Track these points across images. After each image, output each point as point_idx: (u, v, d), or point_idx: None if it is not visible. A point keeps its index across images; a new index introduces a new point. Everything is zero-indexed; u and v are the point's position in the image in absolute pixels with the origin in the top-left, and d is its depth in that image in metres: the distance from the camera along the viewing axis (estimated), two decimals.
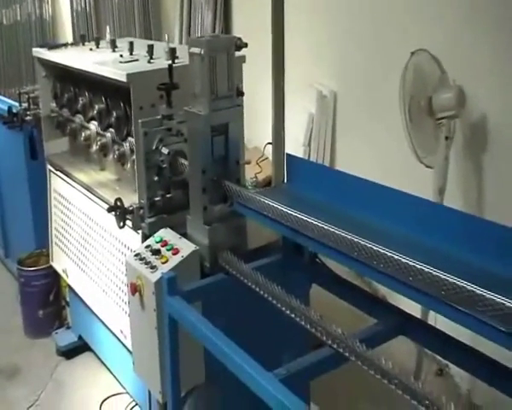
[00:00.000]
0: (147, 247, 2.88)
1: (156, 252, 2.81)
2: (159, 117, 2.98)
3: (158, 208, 3.02)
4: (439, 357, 3.27)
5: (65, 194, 4.10)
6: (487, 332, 1.70)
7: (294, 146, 5.02)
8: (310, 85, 5.44)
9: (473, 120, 3.72)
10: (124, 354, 3.51)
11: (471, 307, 1.73)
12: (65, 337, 4.57)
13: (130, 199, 3.15)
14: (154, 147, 2.95)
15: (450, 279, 1.78)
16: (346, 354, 2.04)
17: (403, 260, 1.93)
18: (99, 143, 3.69)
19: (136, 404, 3.92)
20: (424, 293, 1.87)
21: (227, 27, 6.87)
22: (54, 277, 4.61)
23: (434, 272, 1.83)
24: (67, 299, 4.60)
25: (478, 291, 1.71)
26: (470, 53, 3.77)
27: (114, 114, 3.46)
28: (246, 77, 3.15)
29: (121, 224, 3.06)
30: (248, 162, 3.02)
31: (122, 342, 3.49)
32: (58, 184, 4.19)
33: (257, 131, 4.09)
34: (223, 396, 2.92)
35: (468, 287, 1.73)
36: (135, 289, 2.78)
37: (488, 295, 1.68)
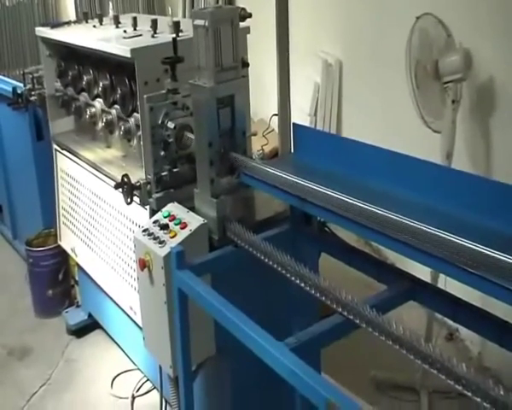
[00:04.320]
0: (155, 222, 2.87)
1: (164, 227, 2.80)
2: (164, 91, 2.97)
3: (165, 183, 3.01)
4: (449, 321, 3.27)
5: (71, 173, 4.11)
6: (498, 293, 1.70)
7: (300, 116, 5.01)
8: (315, 54, 5.42)
9: (480, 82, 3.71)
10: (134, 331, 3.52)
11: (481, 269, 1.72)
12: (75, 316, 4.60)
13: (137, 175, 3.15)
14: (159, 122, 2.93)
15: (459, 241, 1.78)
16: (357, 321, 2.03)
17: (412, 224, 1.92)
18: (104, 120, 3.68)
19: (148, 379, 3.95)
20: (434, 256, 1.87)
21: None
22: (62, 256, 4.63)
23: (442, 235, 1.82)
24: (76, 278, 4.62)
25: (487, 252, 1.70)
26: (476, 15, 3.75)
27: (119, 90, 3.46)
28: (250, 49, 3.14)
29: (129, 200, 3.06)
30: (255, 134, 3.02)
31: (132, 319, 3.51)
32: (64, 164, 4.19)
33: (262, 103, 4.09)
34: (234, 368, 2.93)
35: (478, 248, 1.73)
36: (143, 264, 2.78)
37: (498, 256, 1.67)
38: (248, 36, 3.16)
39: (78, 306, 4.68)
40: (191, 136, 2.89)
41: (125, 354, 4.19)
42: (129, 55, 3.06)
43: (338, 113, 5.37)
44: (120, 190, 3.05)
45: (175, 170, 3.02)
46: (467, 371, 1.65)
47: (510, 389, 1.56)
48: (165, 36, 3.23)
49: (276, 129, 2.96)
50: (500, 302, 1.73)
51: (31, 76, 4.48)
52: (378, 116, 4.86)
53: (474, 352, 3.99)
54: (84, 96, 3.94)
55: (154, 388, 3.88)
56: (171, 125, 2.92)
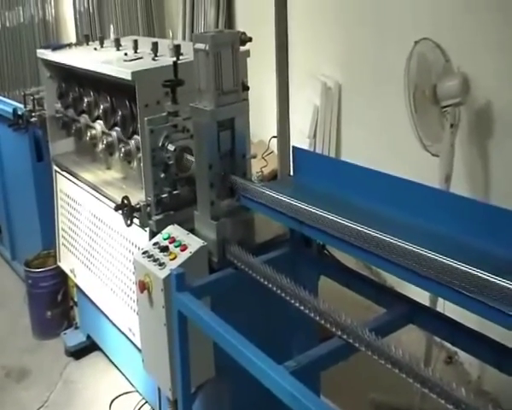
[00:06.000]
0: (155, 244, 2.88)
1: (164, 249, 2.81)
2: (164, 114, 2.98)
3: (165, 205, 3.02)
4: (448, 345, 3.27)
5: (71, 194, 4.11)
6: (495, 316, 1.71)
7: (299, 139, 5.02)
8: (314, 78, 5.45)
9: (478, 106, 3.72)
10: (133, 353, 3.52)
11: (479, 292, 1.73)
12: (73, 337, 4.58)
13: (137, 197, 3.15)
14: (160, 144, 2.95)
15: (458, 266, 1.79)
16: (356, 345, 2.04)
17: (410, 248, 1.93)
18: (105, 142, 3.69)
19: (146, 402, 3.93)
20: (432, 280, 1.88)
21: (230, 22, 6.88)
22: (61, 277, 4.62)
23: (441, 259, 1.83)
24: (75, 299, 4.60)
25: (485, 276, 1.71)
26: (474, 40, 3.77)
27: (120, 112, 3.47)
28: (249, 71, 3.16)
29: (128, 222, 3.07)
30: (254, 156, 3.03)
31: (131, 341, 3.50)
32: (64, 185, 4.20)
33: (261, 125, 4.10)
34: (233, 391, 2.93)
35: (476, 273, 1.74)
36: (143, 286, 2.78)
37: (495, 280, 1.69)
38: (248, 57, 3.18)
39: (76, 327, 4.66)
40: (191, 158, 2.90)
41: (124, 376, 4.17)
42: (130, 78, 3.08)
43: (337, 136, 5.39)
44: (120, 211, 3.06)
45: (175, 192, 3.03)
46: (466, 396, 1.65)
47: None
48: (166, 59, 3.26)
49: (276, 151, 2.97)
50: (498, 326, 1.74)
51: (31, 97, 4.50)
52: (377, 139, 4.87)
53: (473, 375, 3.97)
54: (84, 118, 3.95)
55: None
56: (171, 147, 2.93)
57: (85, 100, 3.84)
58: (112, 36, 3.99)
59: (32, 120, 4.49)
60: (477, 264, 1.77)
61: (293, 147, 2.85)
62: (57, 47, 4.16)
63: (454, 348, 3.66)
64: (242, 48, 2.79)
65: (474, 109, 3.73)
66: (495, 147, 3.73)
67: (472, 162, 3.87)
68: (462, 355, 3.99)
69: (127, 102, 3.39)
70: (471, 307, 1.78)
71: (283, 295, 2.35)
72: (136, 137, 3.39)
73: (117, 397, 4.07)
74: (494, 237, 1.93)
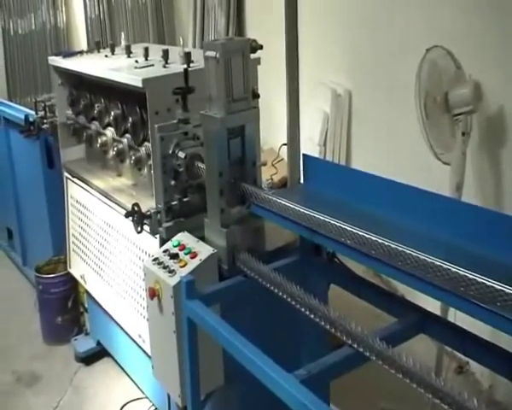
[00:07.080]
0: (165, 251, 2.89)
1: (174, 256, 2.81)
2: (175, 121, 2.99)
3: (175, 212, 3.02)
4: (459, 354, 3.26)
5: (82, 200, 4.12)
6: (508, 327, 1.70)
7: (310, 146, 5.03)
8: (324, 85, 5.45)
9: (490, 114, 3.70)
10: (143, 359, 3.52)
11: (491, 303, 1.72)
12: (84, 343, 4.60)
13: (148, 204, 3.16)
14: (170, 151, 2.96)
15: (470, 275, 1.78)
16: (367, 354, 2.03)
17: (421, 257, 1.93)
18: (115, 148, 3.71)
19: (156, 408, 3.93)
20: (443, 289, 1.87)
21: (240, 30, 6.90)
22: (72, 283, 4.64)
23: (453, 268, 1.83)
24: (86, 305, 4.62)
25: (497, 286, 1.70)
26: (485, 47, 3.75)
27: (130, 119, 3.49)
28: (259, 78, 3.16)
29: (139, 229, 3.07)
30: (265, 164, 3.02)
31: (141, 347, 3.50)
32: (75, 191, 4.21)
33: (271, 132, 4.10)
34: (242, 399, 2.92)
35: (488, 282, 1.73)
36: (153, 293, 2.79)
37: (508, 290, 1.67)
38: (258, 65, 3.18)
39: (86, 333, 4.68)
40: (202, 165, 2.90)
41: (134, 383, 4.17)
42: (140, 85, 3.09)
43: (347, 143, 5.38)
44: (130, 218, 3.06)
45: (185, 199, 3.03)
46: (478, 406, 1.64)
47: None
48: (177, 66, 3.26)
49: (286, 158, 2.97)
50: (510, 336, 1.73)
51: (43, 104, 4.51)
52: (387, 147, 4.86)
53: (484, 385, 3.95)
54: (95, 125, 3.97)
55: None
56: (181, 154, 2.93)
57: (96, 107, 3.86)
58: (123, 43, 4.01)
59: (44, 126, 4.51)
60: (489, 273, 1.75)
61: (304, 154, 2.85)
62: (68, 54, 4.17)
63: (465, 358, 3.65)
64: (253, 55, 2.79)
65: (486, 117, 3.71)
66: (507, 155, 3.71)
67: (483, 170, 3.85)
68: (474, 365, 3.97)
69: (138, 109, 3.40)
70: (483, 317, 1.77)
71: (293, 303, 2.34)
72: (146, 144, 3.39)
73: (127, 403, 4.07)
74: (507, 247, 1.92)
